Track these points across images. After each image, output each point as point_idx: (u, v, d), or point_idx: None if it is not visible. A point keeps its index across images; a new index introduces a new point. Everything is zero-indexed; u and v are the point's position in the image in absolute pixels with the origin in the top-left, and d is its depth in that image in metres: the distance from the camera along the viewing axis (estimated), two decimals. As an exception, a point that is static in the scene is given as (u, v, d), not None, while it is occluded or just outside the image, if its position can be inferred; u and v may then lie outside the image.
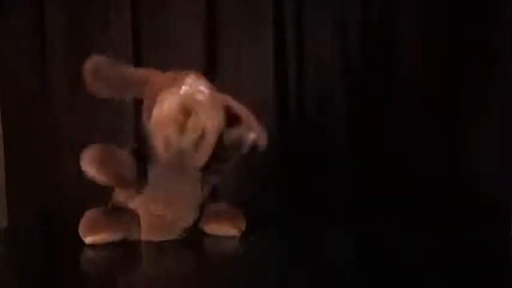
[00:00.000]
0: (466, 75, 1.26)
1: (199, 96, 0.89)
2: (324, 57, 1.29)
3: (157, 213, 0.98)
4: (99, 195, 1.24)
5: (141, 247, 0.98)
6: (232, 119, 0.97)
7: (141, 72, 0.99)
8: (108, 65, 0.95)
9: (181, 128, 0.88)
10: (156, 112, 0.89)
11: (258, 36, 1.29)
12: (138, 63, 1.26)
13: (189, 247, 0.98)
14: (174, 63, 1.28)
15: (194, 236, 1.01)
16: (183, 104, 0.88)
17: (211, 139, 0.90)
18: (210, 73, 1.26)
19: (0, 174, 1.24)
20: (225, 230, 1.02)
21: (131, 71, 0.98)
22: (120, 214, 0.99)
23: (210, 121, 0.90)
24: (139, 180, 0.96)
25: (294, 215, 1.21)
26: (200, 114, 0.88)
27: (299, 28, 1.29)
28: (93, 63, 0.93)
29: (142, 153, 0.96)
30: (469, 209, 1.18)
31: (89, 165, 0.92)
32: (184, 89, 0.89)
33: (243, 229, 1.04)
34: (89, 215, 0.98)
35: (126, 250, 0.96)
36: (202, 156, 0.92)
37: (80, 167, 1.25)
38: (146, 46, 1.27)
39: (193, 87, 0.90)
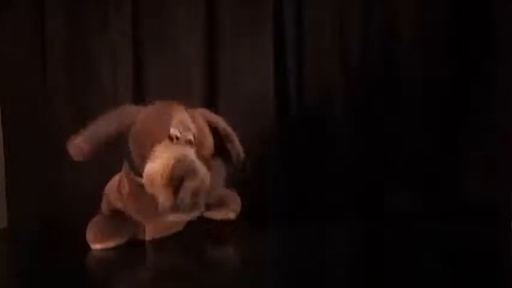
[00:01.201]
0: (466, 75, 1.27)
1: (189, 159, 0.89)
2: (324, 57, 1.29)
3: (160, 219, 0.98)
4: (99, 195, 1.25)
5: (144, 244, 0.99)
6: (219, 137, 1.01)
7: (120, 119, 0.97)
8: (87, 139, 0.94)
9: (174, 192, 0.87)
10: (148, 179, 0.89)
11: (258, 36, 1.28)
12: (137, 63, 1.26)
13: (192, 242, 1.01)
14: (174, 64, 1.29)
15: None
16: (174, 173, 0.87)
17: (204, 194, 0.91)
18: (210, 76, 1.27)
19: (1, 174, 1.24)
20: (222, 213, 1.12)
21: (108, 127, 0.96)
22: (122, 218, 1.00)
23: (204, 183, 0.90)
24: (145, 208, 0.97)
25: (294, 215, 1.21)
26: (192, 178, 0.88)
27: (299, 27, 1.29)
28: (74, 149, 0.96)
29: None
30: (470, 210, 1.18)
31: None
32: (174, 154, 0.89)
33: (239, 211, 1.13)
34: (95, 222, 1.00)
35: (130, 248, 0.97)
36: (198, 208, 0.91)
37: (79, 168, 1.25)
38: (146, 46, 1.27)
39: (182, 135, 0.92)
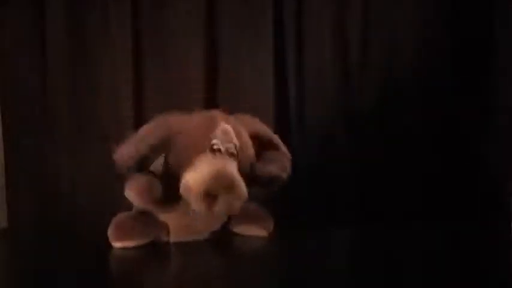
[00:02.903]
0: (466, 76, 1.26)
1: (229, 174, 0.90)
2: (323, 61, 1.28)
3: (187, 224, 1.00)
4: (98, 195, 1.25)
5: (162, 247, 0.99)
6: (262, 145, 1.02)
7: (163, 132, 0.97)
8: (131, 153, 0.94)
9: (210, 203, 0.89)
10: (185, 187, 0.90)
11: (259, 42, 1.28)
12: (137, 61, 1.25)
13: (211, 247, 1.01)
14: (174, 68, 1.29)
15: (222, 236, 1.04)
16: (213, 185, 0.89)
17: (237, 209, 0.93)
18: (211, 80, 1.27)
19: (1, 175, 1.24)
20: (253, 230, 1.06)
21: (153, 140, 0.96)
22: (148, 219, 1.00)
23: (240, 198, 0.92)
24: (172, 202, 0.97)
25: (295, 218, 1.20)
26: (230, 191, 0.90)
27: (299, 34, 1.28)
28: (119, 162, 0.94)
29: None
30: (470, 210, 1.18)
31: (136, 196, 0.96)
32: (215, 167, 0.90)
33: (271, 230, 1.07)
34: (118, 220, 0.99)
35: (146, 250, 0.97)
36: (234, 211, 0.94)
37: (78, 168, 1.25)
38: (146, 45, 1.26)
39: (224, 145, 0.93)
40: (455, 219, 1.13)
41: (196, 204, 0.89)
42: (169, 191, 0.94)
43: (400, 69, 1.28)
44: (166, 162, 0.97)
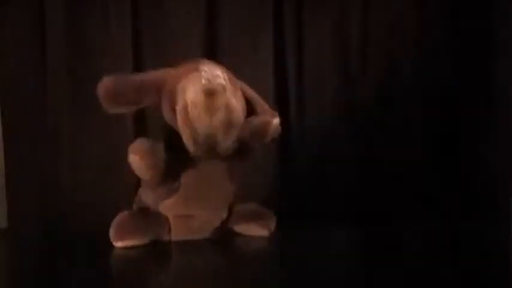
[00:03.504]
0: (466, 76, 1.27)
1: (219, 78, 0.91)
2: (323, 61, 1.29)
3: (187, 214, 1.00)
4: (98, 195, 1.25)
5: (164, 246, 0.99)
6: (247, 103, 1.00)
7: (155, 75, 1.00)
8: (121, 82, 0.97)
9: (208, 110, 0.90)
10: (181, 98, 0.91)
11: (259, 42, 1.27)
12: (137, 61, 1.25)
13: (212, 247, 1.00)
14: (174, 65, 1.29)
15: (223, 236, 1.03)
16: (207, 86, 0.90)
17: (237, 117, 0.93)
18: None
19: (1, 174, 1.24)
20: (254, 230, 1.05)
21: (144, 78, 1.00)
22: (148, 217, 1.01)
23: (234, 99, 0.92)
24: (172, 179, 0.98)
25: (294, 217, 1.20)
26: (224, 93, 0.90)
27: (298, 34, 1.28)
28: (105, 85, 0.96)
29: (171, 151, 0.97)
30: (470, 210, 1.18)
31: (137, 159, 0.94)
32: (204, 74, 0.91)
33: (272, 229, 1.06)
34: (119, 219, 1.00)
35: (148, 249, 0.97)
36: (230, 136, 0.93)
37: (79, 168, 1.25)
38: (146, 45, 1.26)
39: (211, 71, 0.92)
40: (455, 219, 1.13)
41: (198, 119, 0.89)
42: (171, 164, 0.94)
43: (400, 69, 1.28)
44: (163, 126, 0.98)
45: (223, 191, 1.01)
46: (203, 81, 0.89)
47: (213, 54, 1.26)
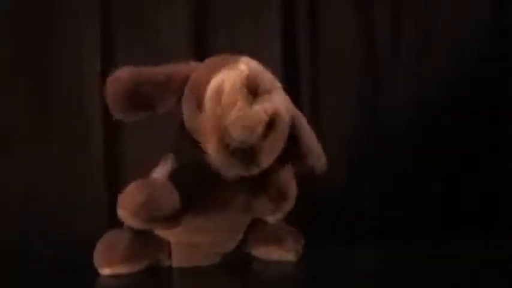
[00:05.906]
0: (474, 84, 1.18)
1: (265, 74, 0.72)
2: (340, 58, 1.15)
3: (192, 242, 0.80)
4: (98, 194, 1.24)
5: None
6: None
7: (179, 69, 0.75)
8: (142, 75, 0.72)
9: (248, 100, 0.68)
10: (214, 91, 0.69)
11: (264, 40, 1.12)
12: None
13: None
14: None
15: (238, 261, 0.83)
16: (248, 81, 0.69)
17: (284, 128, 0.71)
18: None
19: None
20: (277, 254, 0.84)
21: (169, 72, 0.74)
22: (144, 238, 0.78)
23: (283, 104, 0.71)
24: (179, 215, 0.74)
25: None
26: (269, 94, 0.70)
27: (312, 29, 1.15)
28: (121, 80, 0.71)
29: (183, 172, 0.76)
30: (492, 229, 1.09)
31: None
32: (243, 66, 0.71)
33: (301, 252, 0.85)
34: (106, 240, 0.79)
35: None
36: (271, 152, 0.71)
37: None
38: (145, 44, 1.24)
39: (252, 64, 0.72)
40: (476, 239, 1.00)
41: (232, 108, 0.66)
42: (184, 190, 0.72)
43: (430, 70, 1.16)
44: (181, 136, 0.75)
45: (241, 220, 0.81)
46: (244, 73, 0.69)
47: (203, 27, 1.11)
